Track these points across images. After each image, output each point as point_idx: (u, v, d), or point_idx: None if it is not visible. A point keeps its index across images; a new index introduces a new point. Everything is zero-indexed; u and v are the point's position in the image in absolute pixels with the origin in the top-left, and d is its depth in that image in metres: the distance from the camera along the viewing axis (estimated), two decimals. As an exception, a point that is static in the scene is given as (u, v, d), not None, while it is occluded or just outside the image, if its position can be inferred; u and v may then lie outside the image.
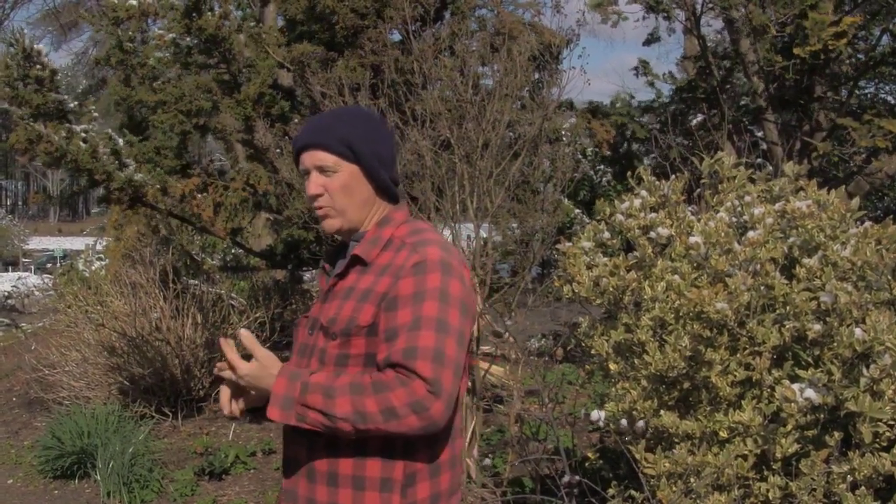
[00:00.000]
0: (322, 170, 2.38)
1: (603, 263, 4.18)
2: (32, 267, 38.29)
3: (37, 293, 22.94)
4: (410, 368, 2.13)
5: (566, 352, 7.70)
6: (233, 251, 14.49)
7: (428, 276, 2.25)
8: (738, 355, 3.57)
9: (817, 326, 3.37)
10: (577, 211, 15.49)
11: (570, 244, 4.36)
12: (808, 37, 9.01)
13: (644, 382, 3.79)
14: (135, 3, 8.84)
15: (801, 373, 3.35)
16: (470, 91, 5.76)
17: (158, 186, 8.69)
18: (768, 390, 3.49)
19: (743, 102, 12.07)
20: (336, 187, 2.37)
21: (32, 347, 11.74)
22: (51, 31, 28.24)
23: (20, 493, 7.03)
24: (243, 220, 9.48)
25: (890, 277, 3.53)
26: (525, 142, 6.03)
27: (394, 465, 2.25)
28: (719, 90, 10.99)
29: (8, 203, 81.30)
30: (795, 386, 3.28)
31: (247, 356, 2.28)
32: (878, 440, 3.25)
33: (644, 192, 4.31)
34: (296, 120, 8.92)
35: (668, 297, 3.71)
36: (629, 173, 4.53)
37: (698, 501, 3.47)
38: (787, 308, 3.50)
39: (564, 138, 8.09)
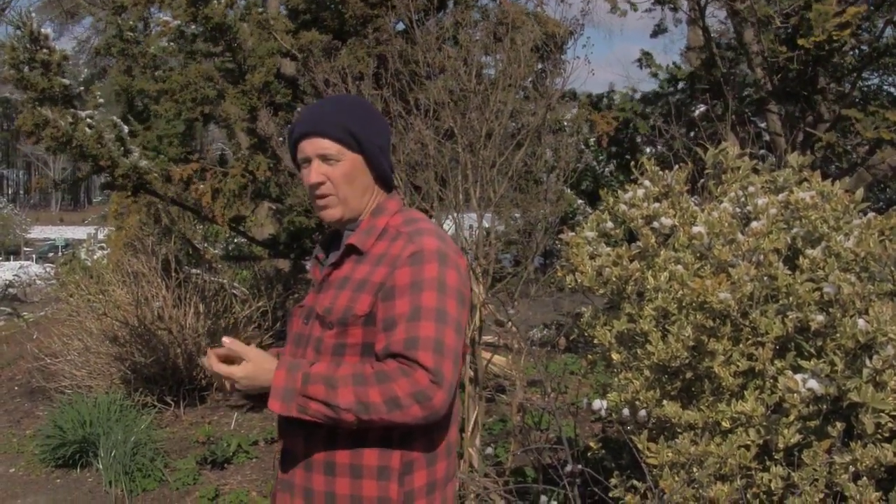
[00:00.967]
0: (324, 158, 2.37)
1: (606, 253, 4.18)
2: (34, 256, 38.36)
3: (39, 282, 22.97)
4: (412, 358, 2.14)
5: (569, 342, 7.69)
6: (235, 240, 14.49)
7: (425, 266, 2.26)
8: (741, 345, 3.57)
9: (820, 317, 3.37)
10: (580, 201, 15.47)
11: (573, 234, 4.36)
12: (813, 28, 8.98)
13: (647, 372, 3.79)
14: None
15: (803, 363, 3.35)
16: (473, 81, 5.75)
17: (159, 174, 8.68)
18: (771, 381, 3.49)
19: (746, 93, 12.03)
20: (338, 176, 2.37)
21: (34, 336, 11.78)
22: (52, 19, 28.15)
23: (22, 481, 7.05)
24: (244, 208, 9.46)
25: (893, 268, 3.52)
26: (528, 132, 6.02)
27: (391, 454, 2.27)
28: (723, 81, 10.96)
29: (10, 192, 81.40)
30: (798, 376, 3.28)
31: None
32: (880, 431, 3.24)
33: (647, 183, 4.31)
34: (299, 109, 8.91)
35: (671, 287, 3.71)
36: (632, 164, 4.53)
37: (700, 491, 3.48)
38: (790, 299, 3.49)
39: (567, 128, 8.07)
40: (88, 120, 8.39)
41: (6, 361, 12.12)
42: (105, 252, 16.61)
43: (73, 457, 7.17)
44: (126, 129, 8.82)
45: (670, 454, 3.59)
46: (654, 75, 13.00)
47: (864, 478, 3.25)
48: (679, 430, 3.66)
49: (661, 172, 4.32)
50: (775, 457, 3.45)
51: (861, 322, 3.19)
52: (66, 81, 8.48)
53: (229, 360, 2.26)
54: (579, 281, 4.17)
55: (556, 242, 5.38)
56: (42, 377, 9.50)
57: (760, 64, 10.32)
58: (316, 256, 2.57)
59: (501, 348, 6.40)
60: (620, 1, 11.15)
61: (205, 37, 8.98)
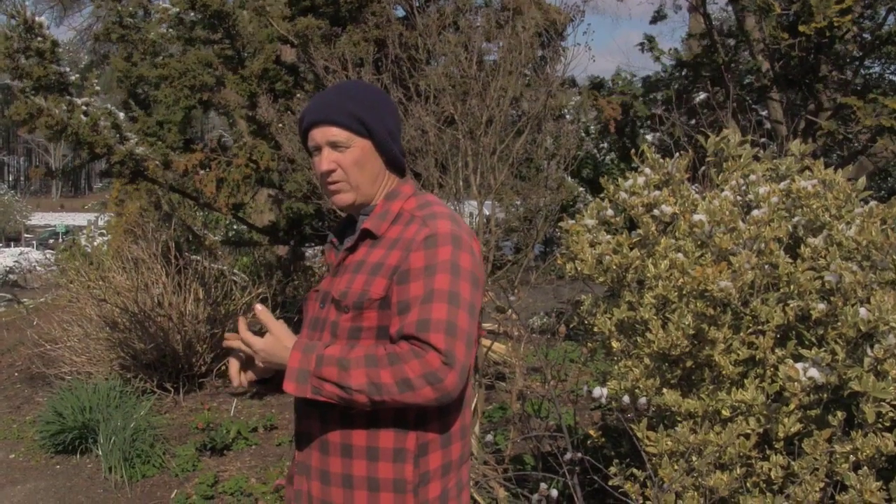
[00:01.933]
0: (335, 145, 2.39)
1: (606, 241, 4.17)
2: (35, 242, 38.42)
3: (39, 268, 22.98)
4: (424, 340, 2.16)
5: (569, 329, 7.69)
6: (235, 227, 14.48)
7: (439, 249, 2.27)
8: (742, 334, 3.57)
9: (821, 306, 3.35)
10: (580, 189, 15.44)
11: (574, 222, 4.35)
12: (814, 14, 8.96)
13: (647, 361, 3.78)
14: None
15: (804, 352, 3.34)
16: (474, 67, 5.73)
17: (159, 162, 8.66)
18: (771, 369, 3.48)
19: (747, 81, 11.99)
20: (349, 162, 2.39)
21: (34, 323, 11.77)
22: (52, 6, 28.10)
23: (22, 467, 7.05)
24: (245, 195, 9.45)
25: (895, 257, 3.51)
26: (529, 118, 6.00)
27: (406, 435, 2.29)
28: (724, 68, 10.93)
29: (10, 179, 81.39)
30: (799, 365, 3.27)
31: (259, 332, 2.30)
32: (881, 420, 3.24)
33: (648, 170, 4.29)
34: (299, 95, 8.88)
35: (671, 275, 3.70)
36: (633, 151, 4.51)
37: (700, 480, 3.47)
38: (792, 287, 3.48)
39: (568, 115, 8.04)
40: (84, 107, 8.37)
41: (6, 347, 12.12)
42: (105, 239, 16.59)
43: (72, 443, 7.18)
44: (122, 115, 8.79)
45: (670, 443, 3.59)
46: (657, 59, 12.94)
47: (865, 467, 3.24)
48: (679, 419, 3.65)
49: (661, 160, 4.31)
50: (775, 446, 3.45)
51: (862, 311, 3.17)
52: (62, 69, 8.45)
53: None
54: (579, 269, 4.16)
55: (557, 230, 5.37)
56: (42, 363, 9.51)
57: (762, 51, 10.29)
58: (331, 241, 2.58)
59: (501, 335, 6.38)
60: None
61: (203, 24, 8.95)
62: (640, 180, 4.23)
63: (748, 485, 3.48)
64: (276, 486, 5.94)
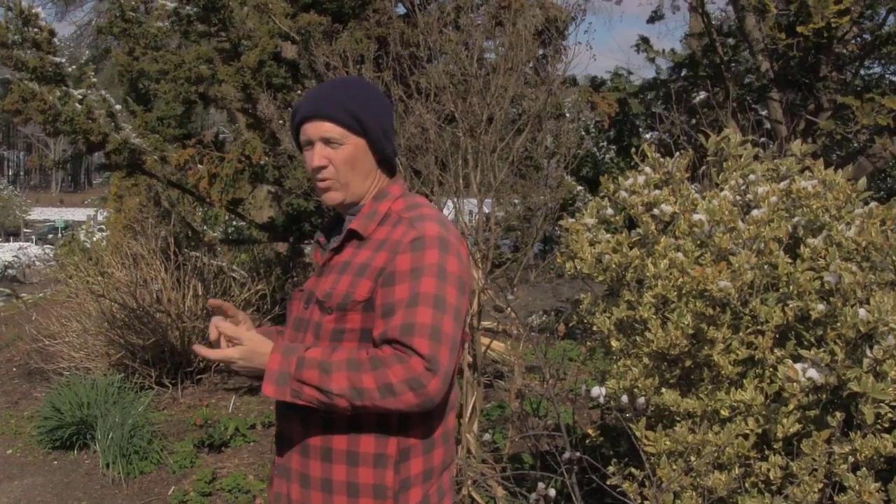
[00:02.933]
0: (328, 141, 2.35)
1: (605, 240, 4.16)
2: (34, 237, 38.41)
3: (38, 263, 22.99)
4: (408, 345, 2.12)
5: (568, 328, 7.69)
6: (234, 223, 14.47)
7: (426, 252, 2.23)
8: (741, 334, 3.57)
9: (821, 306, 3.35)
10: (580, 187, 15.45)
11: (573, 220, 4.34)
12: (812, 14, 8.96)
13: (645, 360, 3.78)
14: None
15: (803, 352, 3.33)
16: (475, 65, 5.72)
17: (157, 157, 8.65)
18: (770, 370, 3.48)
19: (747, 80, 12.00)
20: (341, 160, 2.35)
21: (33, 318, 11.75)
22: (53, 1, 28.06)
23: (19, 463, 7.05)
24: (243, 191, 9.42)
25: (894, 258, 3.51)
26: (529, 117, 5.99)
27: (388, 440, 2.26)
28: (723, 68, 10.93)
29: (10, 174, 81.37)
30: (798, 366, 3.27)
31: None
32: (879, 421, 3.24)
33: (648, 169, 4.29)
34: (298, 91, 8.87)
35: (670, 274, 3.70)
36: (632, 150, 4.51)
37: (698, 480, 3.47)
38: (791, 287, 3.48)
39: (568, 114, 8.04)
40: (79, 97, 8.35)
41: (4, 343, 12.12)
42: (104, 234, 16.59)
43: (70, 438, 7.18)
44: (117, 105, 8.77)
45: (668, 442, 3.59)
46: (651, 60, 12.99)
47: (864, 468, 3.24)
48: (677, 419, 3.65)
49: (661, 159, 4.30)
50: (774, 446, 3.45)
51: (862, 312, 3.17)
52: (58, 59, 8.43)
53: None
54: (579, 268, 4.16)
55: (556, 229, 5.36)
56: (40, 358, 9.50)
57: (762, 51, 10.29)
58: (317, 240, 2.54)
59: (500, 334, 6.38)
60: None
61: (198, 16, 8.94)
62: (640, 179, 4.23)
63: (747, 485, 3.48)
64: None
